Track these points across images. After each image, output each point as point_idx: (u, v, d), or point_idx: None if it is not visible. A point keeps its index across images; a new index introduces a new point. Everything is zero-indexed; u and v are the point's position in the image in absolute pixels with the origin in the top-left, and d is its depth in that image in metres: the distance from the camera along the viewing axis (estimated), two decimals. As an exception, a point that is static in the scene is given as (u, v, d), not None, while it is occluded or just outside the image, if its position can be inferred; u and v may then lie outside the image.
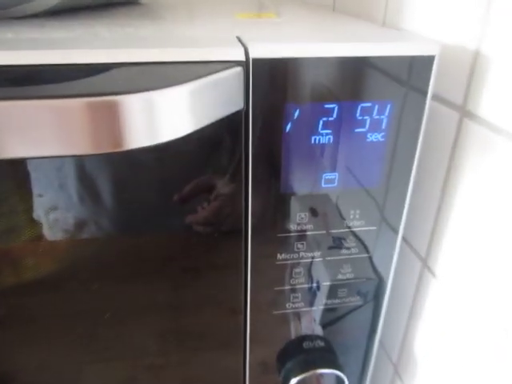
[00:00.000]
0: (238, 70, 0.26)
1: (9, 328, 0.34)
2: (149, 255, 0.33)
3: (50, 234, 0.30)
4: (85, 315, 0.34)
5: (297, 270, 0.35)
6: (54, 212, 0.29)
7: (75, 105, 0.22)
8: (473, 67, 0.30)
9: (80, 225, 0.30)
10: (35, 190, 0.29)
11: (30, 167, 0.28)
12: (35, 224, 0.30)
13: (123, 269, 0.33)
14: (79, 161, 0.29)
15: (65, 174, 0.29)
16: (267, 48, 0.27)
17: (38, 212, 0.29)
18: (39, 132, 0.22)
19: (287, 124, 0.29)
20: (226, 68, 0.25)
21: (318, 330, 0.40)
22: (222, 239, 0.33)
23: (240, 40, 0.28)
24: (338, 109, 0.29)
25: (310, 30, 0.36)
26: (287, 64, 0.27)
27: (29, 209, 0.30)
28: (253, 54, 0.26)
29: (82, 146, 0.23)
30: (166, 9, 0.49)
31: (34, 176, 0.28)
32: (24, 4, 0.34)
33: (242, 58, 0.26)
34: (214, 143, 0.29)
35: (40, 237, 0.30)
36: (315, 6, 0.58)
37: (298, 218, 0.33)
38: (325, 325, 0.39)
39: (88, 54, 0.25)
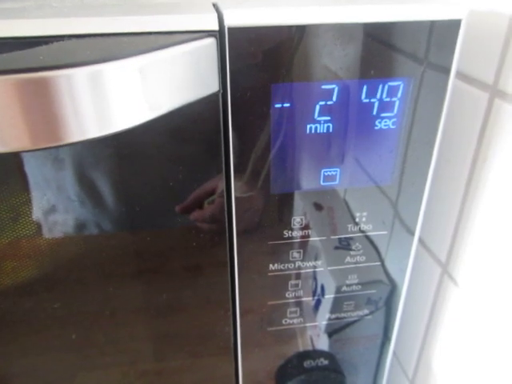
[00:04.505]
0: (210, 41, 0.21)
1: (0, 332, 0.32)
2: (151, 252, 0.31)
3: (43, 233, 0.29)
4: (79, 318, 0.33)
5: (293, 281, 0.31)
6: (49, 210, 0.28)
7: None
8: (508, 37, 0.26)
9: (73, 224, 0.29)
10: (28, 187, 0.27)
11: (25, 163, 0.27)
12: (23, 223, 0.28)
13: (121, 268, 0.31)
14: (74, 156, 0.27)
15: (61, 171, 0.27)
16: (246, 14, 0.21)
17: (32, 210, 0.28)
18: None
19: (275, 110, 0.24)
20: (194, 39, 0.20)
21: (321, 347, 0.35)
22: (208, 242, 0.30)
23: (216, 7, 0.23)
24: (339, 90, 0.25)
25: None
26: (272, 34, 0.22)
27: (15, 207, 0.28)
28: (228, 22, 0.21)
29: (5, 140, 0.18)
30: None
31: (30, 173, 0.27)
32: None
33: (215, 26, 0.21)
34: (189, 135, 0.25)
35: (32, 236, 0.29)
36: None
37: (293, 223, 0.29)
38: (329, 341, 0.35)
39: (23, 25, 0.21)
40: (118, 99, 0.19)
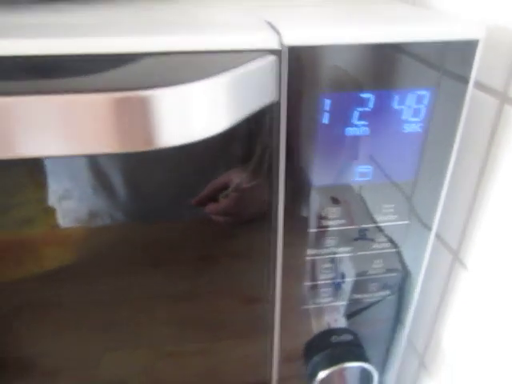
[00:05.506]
0: (272, 59, 0.24)
1: (29, 315, 0.34)
2: (169, 242, 0.33)
3: (68, 222, 0.30)
4: (105, 303, 0.34)
5: (327, 265, 0.34)
6: (70, 201, 0.29)
7: (102, 100, 0.20)
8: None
9: (96, 213, 0.30)
10: (50, 180, 0.28)
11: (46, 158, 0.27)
12: (52, 213, 0.30)
13: (143, 257, 0.33)
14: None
15: (81, 163, 0.28)
16: (304, 34, 0.25)
17: (54, 201, 0.29)
18: (67, 129, 0.20)
19: (322, 115, 0.28)
20: (260, 57, 0.24)
21: (346, 324, 0.39)
22: (244, 231, 0.32)
23: (271, 25, 0.26)
24: (375, 99, 0.28)
25: (339, 13, 0.34)
26: (324, 52, 0.26)
27: (44, 198, 0.29)
28: (288, 42, 0.25)
29: (107, 145, 0.21)
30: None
31: (50, 165, 0.28)
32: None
33: (276, 46, 0.24)
34: (239, 135, 0.28)
35: (59, 226, 0.30)
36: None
37: (330, 213, 0.32)
38: (353, 319, 0.39)
39: (108, 42, 0.24)
40: (199, 113, 0.21)
